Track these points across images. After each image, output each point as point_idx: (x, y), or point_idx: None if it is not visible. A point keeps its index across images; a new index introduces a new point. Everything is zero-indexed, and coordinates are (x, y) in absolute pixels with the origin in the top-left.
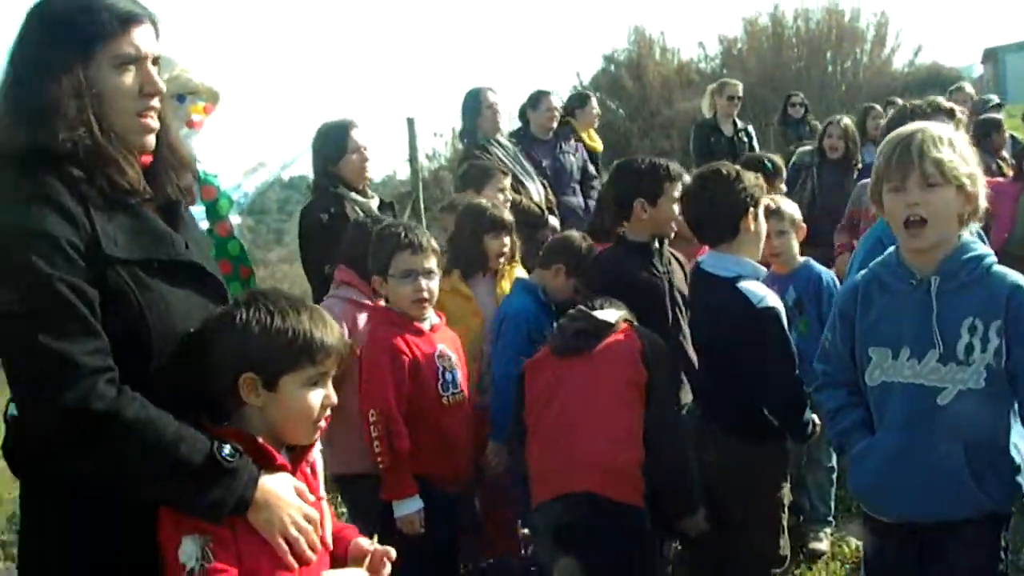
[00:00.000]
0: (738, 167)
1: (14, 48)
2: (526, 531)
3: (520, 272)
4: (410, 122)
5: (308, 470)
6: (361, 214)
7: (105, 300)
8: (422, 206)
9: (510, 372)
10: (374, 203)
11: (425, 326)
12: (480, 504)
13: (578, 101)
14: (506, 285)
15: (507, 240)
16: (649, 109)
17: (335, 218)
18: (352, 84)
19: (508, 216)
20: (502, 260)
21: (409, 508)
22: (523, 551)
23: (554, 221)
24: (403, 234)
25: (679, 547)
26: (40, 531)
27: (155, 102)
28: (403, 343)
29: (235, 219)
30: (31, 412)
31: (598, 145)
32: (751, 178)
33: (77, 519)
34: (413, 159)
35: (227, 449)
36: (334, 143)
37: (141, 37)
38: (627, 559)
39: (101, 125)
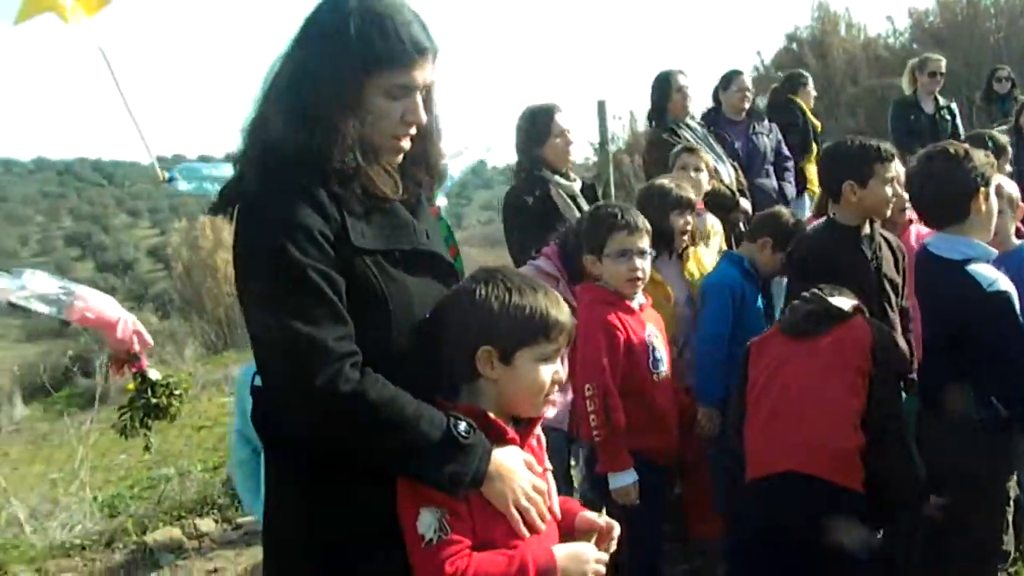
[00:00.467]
0: (966, 146)
1: (293, 49)
2: None
3: (706, 252)
4: (601, 105)
5: (534, 443)
6: (565, 197)
7: (350, 287)
8: (612, 190)
9: (715, 335)
10: (576, 186)
11: (634, 305)
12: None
13: (799, 80)
14: (692, 268)
15: (690, 218)
16: (834, 88)
17: (539, 200)
18: (542, 68)
19: (691, 194)
20: (685, 238)
21: (625, 480)
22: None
23: (745, 204)
24: (619, 215)
25: None
26: (281, 500)
27: (413, 129)
28: (617, 320)
29: (441, 201)
30: (282, 393)
31: (818, 124)
32: (981, 156)
33: (319, 488)
34: (604, 143)
35: (463, 425)
36: (539, 126)
37: (422, 69)
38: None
39: (362, 144)
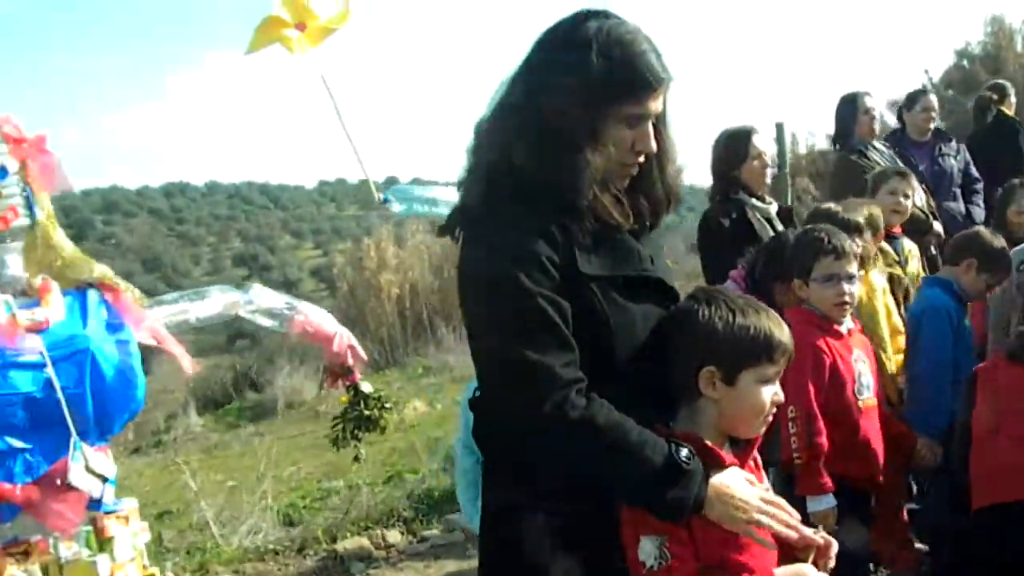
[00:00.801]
0: None
1: (525, 73)
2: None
3: (877, 278)
4: (779, 127)
5: (752, 463)
6: (761, 220)
7: (575, 312)
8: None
9: (938, 363)
10: (772, 208)
11: (842, 330)
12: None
13: (1003, 90)
14: (860, 291)
15: (859, 243)
16: None
17: (735, 223)
18: (713, 89)
19: (860, 218)
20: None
21: (824, 504)
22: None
23: (938, 227)
24: (826, 240)
25: None
26: (496, 515)
27: (641, 157)
28: (824, 344)
29: None
30: (510, 419)
31: None
32: None
33: (534, 506)
34: (782, 165)
35: (684, 451)
36: (736, 148)
37: (657, 99)
38: None
39: (595, 174)
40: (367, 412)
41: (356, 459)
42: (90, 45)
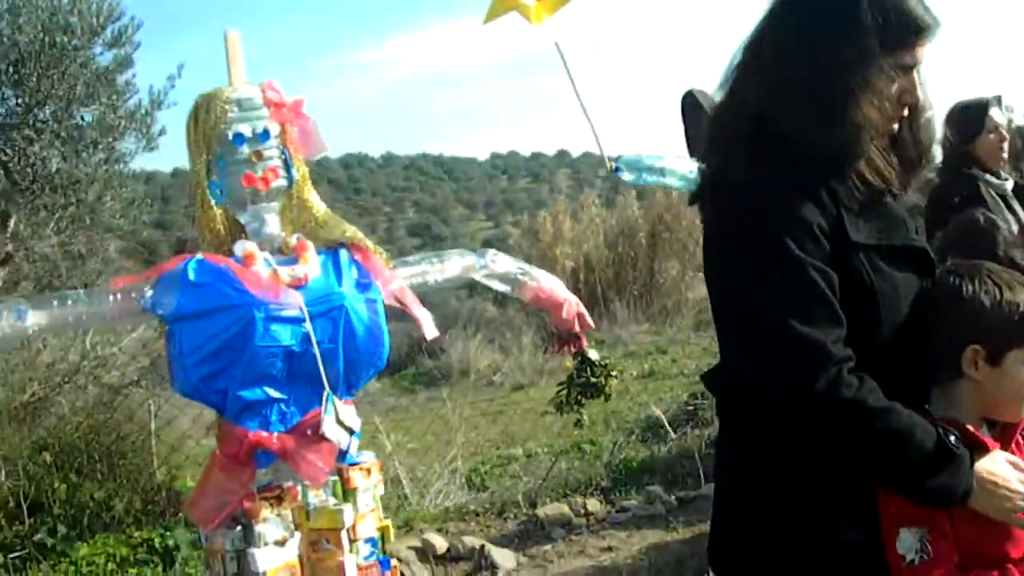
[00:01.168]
0: None
1: (778, 18)
2: None
3: None
4: (996, 101)
5: (1013, 445)
6: (996, 196)
7: (842, 284)
8: None
9: None
10: (1008, 185)
11: None
12: None
13: None
14: None
15: None
16: None
17: (967, 200)
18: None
19: None
20: None
21: None
22: None
23: None
24: None
25: None
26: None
27: (906, 111)
28: None
29: None
30: (774, 398)
31: None
32: None
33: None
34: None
35: (952, 436)
36: (971, 121)
37: (925, 46)
38: None
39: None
40: (593, 379)
41: (579, 424)
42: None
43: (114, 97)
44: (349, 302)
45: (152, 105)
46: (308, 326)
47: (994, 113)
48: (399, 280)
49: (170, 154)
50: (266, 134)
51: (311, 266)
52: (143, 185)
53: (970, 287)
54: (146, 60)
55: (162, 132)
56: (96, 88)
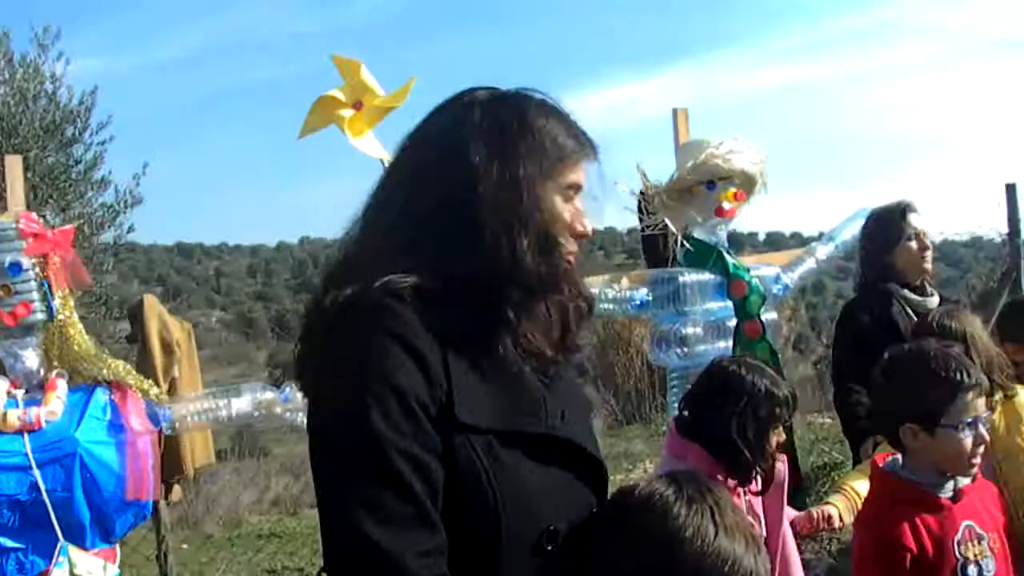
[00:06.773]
0: None
1: (417, 151)
2: None
3: None
4: (1010, 188)
5: None
6: (911, 317)
7: (448, 476)
8: (1022, 286)
9: None
10: (932, 302)
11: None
12: None
13: None
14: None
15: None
16: None
17: (876, 321)
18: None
19: None
20: None
21: None
22: None
23: None
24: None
25: None
26: None
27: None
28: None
29: (769, 316)
30: None
31: None
32: None
33: None
34: (1015, 233)
35: None
36: (887, 228)
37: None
38: None
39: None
40: None
41: None
42: None
43: None
44: (84, 448)
45: None
46: (36, 473)
47: (913, 218)
48: (170, 414)
49: None
50: (16, 267)
51: (53, 407)
52: None
53: (683, 513)
54: None
55: None
56: None
